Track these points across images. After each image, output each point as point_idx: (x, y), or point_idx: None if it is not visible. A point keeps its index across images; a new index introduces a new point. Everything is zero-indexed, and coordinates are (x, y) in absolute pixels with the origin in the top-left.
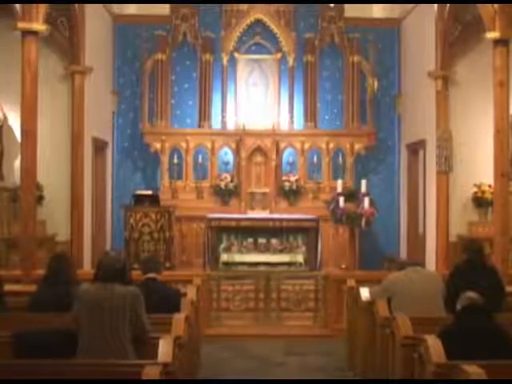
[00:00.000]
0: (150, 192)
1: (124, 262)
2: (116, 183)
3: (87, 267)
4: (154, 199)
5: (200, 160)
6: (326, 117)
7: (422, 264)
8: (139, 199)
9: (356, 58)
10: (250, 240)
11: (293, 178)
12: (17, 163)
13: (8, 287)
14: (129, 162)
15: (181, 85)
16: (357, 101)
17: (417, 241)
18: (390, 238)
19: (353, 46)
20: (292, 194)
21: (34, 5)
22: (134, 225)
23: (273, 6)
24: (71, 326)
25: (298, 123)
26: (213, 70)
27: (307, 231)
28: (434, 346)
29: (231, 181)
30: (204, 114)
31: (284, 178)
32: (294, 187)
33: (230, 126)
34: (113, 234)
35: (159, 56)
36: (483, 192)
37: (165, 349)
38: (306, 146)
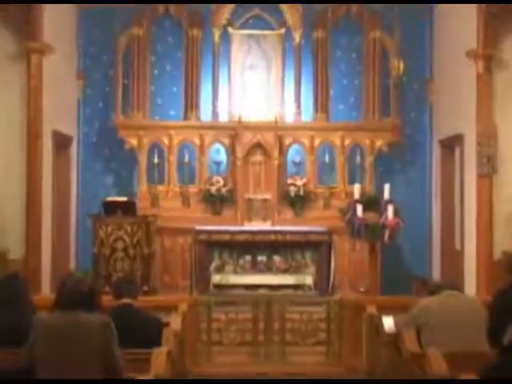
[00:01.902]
0: (124, 199)
1: (92, 285)
2: (82, 188)
3: (46, 291)
4: (129, 207)
5: (186, 159)
6: (341, 106)
7: (460, 287)
8: (111, 207)
9: (378, 35)
10: (248, 257)
11: (300, 182)
12: None
13: None
14: (98, 161)
15: (162, 67)
16: (378, 87)
17: (453, 259)
18: (420, 255)
19: (374, 20)
20: (299, 202)
21: None
22: (104, 239)
23: None
24: (27, 364)
25: (306, 114)
26: (201, 48)
27: (317, 247)
28: None
29: (224, 185)
30: (191, 103)
31: (289, 181)
32: (302, 193)
33: (223, 118)
34: (78, 251)
35: (135, 31)
36: None
37: None
38: (316, 142)
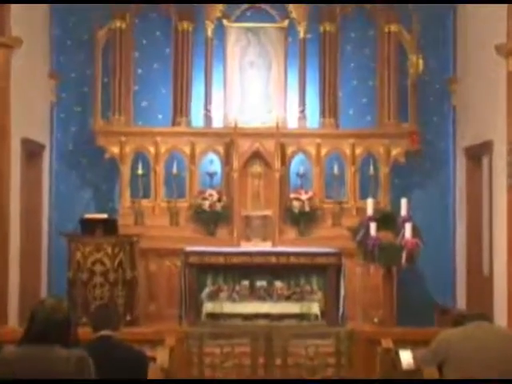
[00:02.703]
0: (103, 216)
1: (67, 315)
2: (56, 203)
3: (13, 323)
4: (109, 226)
5: (175, 170)
6: (351, 110)
7: (489, 317)
8: (89, 226)
9: (394, 28)
10: (245, 283)
11: (304, 196)
12: None
13: None
14: (74, 172)
15: (148, 65)
16: (394, 87)
17: (480, 284)
18: (442, 281)
19: (389, 12)
20: (303, 219)
21: None
22: (81, 262)
23: None
24: None
25: (312, 119)
26: (193, 44)
27: (325, 271)
28: None
29: (218, 200)
30: (180, 107)
31: (292, 195)
32: (307, 209)
33: (217, 124)
34: (50, 275)
35: (117, 24)
36: None
37: None
38: (324, 151)
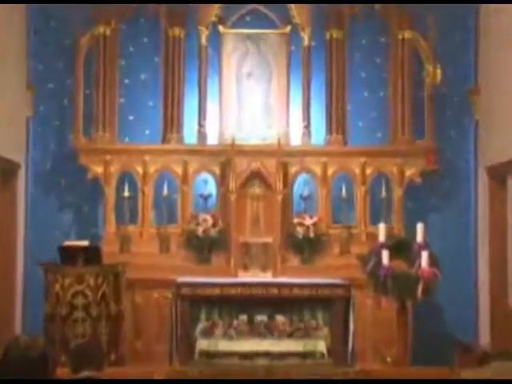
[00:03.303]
0: (85, 243)
1: (44, 353)
2: (32, 229)
3: None
4: (92, 254)
5: (165, 192)
6: (361, 125)
7: None
8: (69, 254)
9: (408, 34)
10: (243, 318)
11: (309, 221)
12: None
13: None
14: (53, 195)
15: (135, 75)
16: (409, 100)
17: (505, 319)
18: (463, 314)
19: (403, 16)
20: (308, 246)
21: None
22: (60, 294)
23: None
24: None
25: (318, 135)
26: (185, 52)
27: (332, 304)
28: None
29: (213, 225)
30: (171, 122)
31: (296, 220)
32: (312, 235)
33: (212, 140)
34: (25, 310)
35: (101, 30)
36: None
37: None
38: (330, 170)
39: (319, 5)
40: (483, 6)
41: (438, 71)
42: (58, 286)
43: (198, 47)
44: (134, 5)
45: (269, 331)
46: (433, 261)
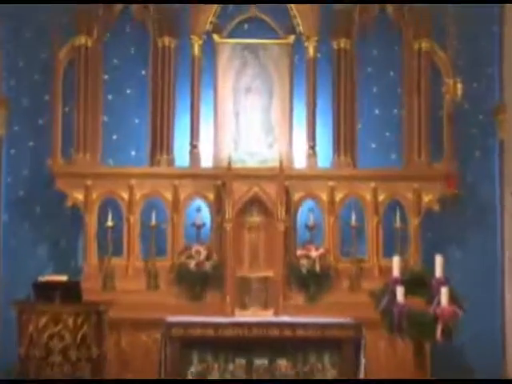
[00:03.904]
0: (63, 278)
1: None
2: (4, 261)
3: None
4: (71, 290)
5: (153, 221)
6: (372, 145)
7: None
8: (45, 290)
9: (425, 44)
10: (241, 361)
11: (315, 253)
12: None
13: None
14: (27, 224)
15: (120, 90)
16: (426, 118)
17: None
18: (488, 358)
19: (420, 24)
20: (314, 282)
21: None
22: (34, 336)
23: None
24: None
25: (324, 157)
26: (176, 64)
27: (340, 346)
28: None
29: (208, 258)
30: (160, 142)
31: (300, 252)
32: (318, 269)
33: (206, 163)
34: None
35: (82, 40)
36: None
37: None
38: (338, 196)
39: (326, 12)
40: (508, 10)
41: (459, 86)
42: (32, 327)
43: (190, 58)
44: (118, 7)
45: (270, 376)
46: (453, 298)
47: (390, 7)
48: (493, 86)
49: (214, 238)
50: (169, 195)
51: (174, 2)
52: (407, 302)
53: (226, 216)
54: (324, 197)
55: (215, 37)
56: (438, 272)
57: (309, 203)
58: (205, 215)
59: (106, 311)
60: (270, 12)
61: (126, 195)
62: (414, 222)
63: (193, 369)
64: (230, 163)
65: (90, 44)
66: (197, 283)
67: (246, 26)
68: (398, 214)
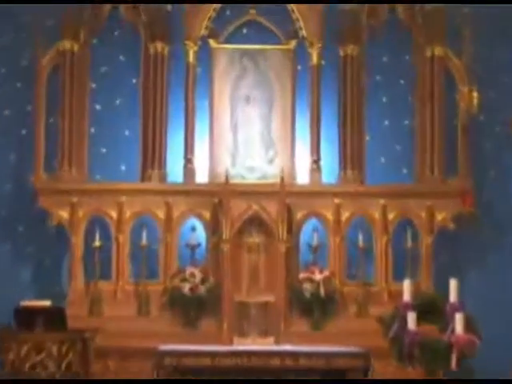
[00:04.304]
0: (47, 303)
1: None
2: None
3: None
4: (54, 317)
5: (144, 242)
6: (382, 159)
7: None
8: (27, 317)
9: (438, 51)
10: None
11: (319, 276)
12: None
13: None
14: (8, 245)
15: (109, 100)
16: (440, 130)
17: None
18: None
19: (431, 28)
20: (318, 307)
21: None
22: (16, 364)
23: None
24: None
25: (329, 172)
26: (169, 72)
27: (347, 376)
28: None
29: (203, 281)
30: (152, 155)
31: (303, 275)
32: (322, 293)
33: (202, 178)
34: None
35: (67, 45)
36: None
37: None
38: (345, 215)
39: (331, 15)
40: None
41: (475, 95)
42: (13, 356)
43: (184, 66)
44: (107, 9)
45: None
46: (469, 325)
47: (400, 8)
48: (510, 96)
49: (210, 260)
50: (161, 213)
51: (166, 2)
52: (419, 330)
53: (223, 236)
54: (329, 215)
55: (211, 42)
56: (453, 297)
57: (312, 222)
58: (200, 235)
59: (93, 339)
60: (271, 15)
61: (114, 213)
62: (426, 242)
63: None
64: (227, 179)
65: (75, 49)
66: (191, 308)
67: (244, 30)
68: (409, 233)
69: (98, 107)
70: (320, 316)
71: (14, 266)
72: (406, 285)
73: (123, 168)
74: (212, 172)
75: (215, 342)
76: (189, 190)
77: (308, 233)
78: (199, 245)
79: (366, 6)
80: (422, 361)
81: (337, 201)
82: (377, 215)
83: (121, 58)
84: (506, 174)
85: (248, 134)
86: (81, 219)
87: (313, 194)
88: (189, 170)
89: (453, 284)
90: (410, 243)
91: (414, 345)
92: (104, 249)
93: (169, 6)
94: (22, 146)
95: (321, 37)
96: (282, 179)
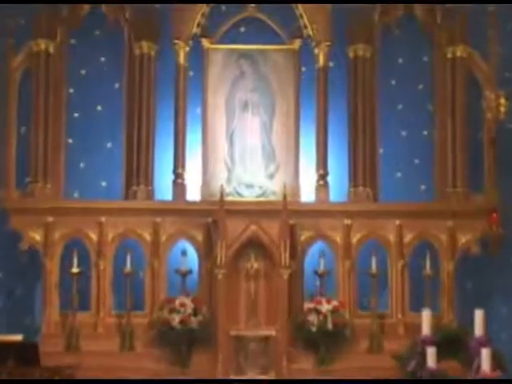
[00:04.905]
0: (18, 337)
1: None
2: None
3: None
4: (27, 353)
5: (128, 268)
6: (398, 174)
7: None
8: None
9: (461, 52)
10: None
11: (327, 307)
12: None
13: None
14: None
15: (89, 107)
16: (463, 141)
17: None
18: None
19: (453, 28)
20: (325, 342)
21: None
22: None
23: None
24: None
25: (338, 189)
26: (156, 75)
27: None
28: None
29: (195, 313)
30: (137, 170)
31: (308, 305)
32: (330, 326)
33: (193, 195)
34: None
35: (41, 46)
36: None
37: None
38: (356, 237)
39: (340, 12)
40: None
41: (502, 101)
42: None
43: (174, 68)
44: (85, 11)
45: None
46: (497, 362)
47: (419, 10)
48: None
49: (203, 288)
50: (147, 235)
51: (155, 2)
52: (440, 367)
53: (218, 261)
54: (338, 237)
55: (204, 42)
56: (478, 330)
57: (319, 245)
58: (191, 260)
59: (71, 377)
60: (272, 11)
61: (94, 235)
62: (447, 267)
63: None
64: (222, 196)
65: (51, 50)
66: (182, 344)
67: (242, 28)
68: (428, 258)
69: (76, 115)
70: (327, 351)
71: None
72: (425, 316)
73: (104, 184)
74: (205, 188)
75: (208, 379)
76: (179, 209)
77: (314, 257)
78: (191, 271)
79: (379, 5)
80: None
81: (347, 221)
82: (392, 237)
83: (102, 59)
84: None
85: (246, 145)
86: (56, 242)
87: (319, 213)
88: (179, 187)
89: (478, 315)
90: (429, 269)
91: None
92: (83, 276)
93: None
94: None
95: (328, 36)
96: (285, 196)
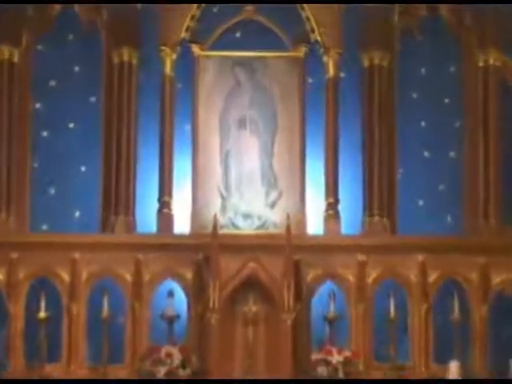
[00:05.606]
0: None
1: None
2: None
3: None
4: None
5: (105, 312)
6: (420, 202)
7: None
8: None
9: (494, 60)
10: None
11: (338, 358)
12: None
13: None
14: None
15: (59, 124)
16: (496, 163)
17: None
18: None
19: (484, 32)
20: None
21: None
22: None
23: None
24: None
25: (351, 220)
26: (139, 87)
27: None
28: None
29: (183, 365)
30: (116, 198)
31: (316, 356)
32: (341, 377)
33: (182, 228)
34: None
35: (4, 52)
36: None
37: None
38: (372, 275)
39: (353, 14)
40: None
41: None
42: None
43: (159, 79)
44: (56, 11)
45: None
46: None
47: (445, 11)
48: None
49: (193, 336)
50: (128, 275)
51: (137, 2)
52: None
53: (211, 303)
54: (350, 276)
55: (194, 48)
56: None
57: (328, 285)
58: (179, 303)
59: None
60: (273, 13)
61: (66, 275)
62: (479, 312)
63: None
64: (215, 228)
65: (15, 58)
66: None
67: (238, 33)
68: (456, 300)
69: (44, 134)
70: None
71: None
72: (454, 368)
73: (78, 214)
74: (195, 219)
75: None
76: (165, 244)
77: (322, 299)
78: (178, 316)
79: (398, 5)
80: None
81: (360, 257)
82: (413, 276)
83: (75, 68)
84: None
85: (243, 169)
86: (21, 282)
87: (329, 248)
88: (165, 217)
89: None
90: (457, 313)
91: None
92: (52, 321)
93: (138, 4)
94: None
95: (339, 41)
96: (288, 228)
